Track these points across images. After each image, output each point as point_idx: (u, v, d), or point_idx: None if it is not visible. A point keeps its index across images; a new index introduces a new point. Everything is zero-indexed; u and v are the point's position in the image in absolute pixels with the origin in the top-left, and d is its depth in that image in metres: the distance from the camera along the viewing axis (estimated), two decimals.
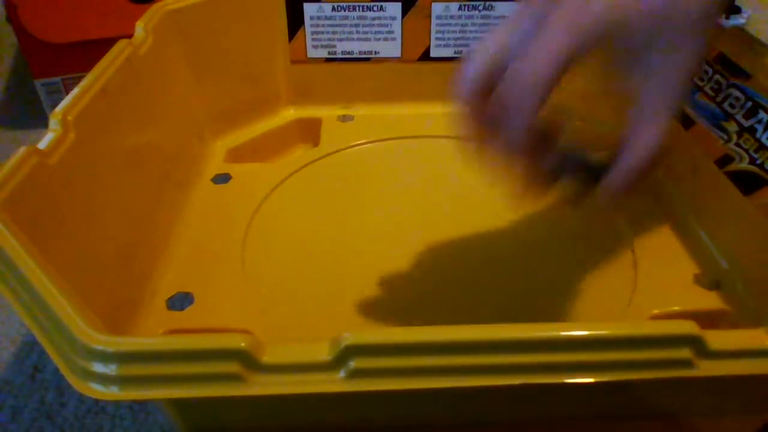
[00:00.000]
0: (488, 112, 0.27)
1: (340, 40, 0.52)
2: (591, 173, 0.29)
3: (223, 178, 0.46)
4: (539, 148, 0.28)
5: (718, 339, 0.23)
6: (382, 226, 0.42)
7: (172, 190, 0.42)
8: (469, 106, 0.28)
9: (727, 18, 0.39)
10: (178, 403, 0.26)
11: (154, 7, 0.44)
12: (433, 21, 0.51)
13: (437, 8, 0.51)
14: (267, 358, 0.22)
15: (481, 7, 0.51)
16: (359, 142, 0.50)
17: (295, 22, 0.51)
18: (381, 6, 0.51)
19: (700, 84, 0.40)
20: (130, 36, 0.40)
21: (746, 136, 0.36)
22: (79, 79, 0.35)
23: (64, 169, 0.30)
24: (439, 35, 0.52)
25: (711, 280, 0.37)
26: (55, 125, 0.31)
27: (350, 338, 0.22)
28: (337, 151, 0.49)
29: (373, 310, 0.36)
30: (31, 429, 0.36)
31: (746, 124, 0.36)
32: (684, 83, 0.27)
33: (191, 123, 0.48)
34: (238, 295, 0.36)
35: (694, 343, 0.23)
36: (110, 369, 0.21)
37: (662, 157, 0.28)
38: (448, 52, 0.53)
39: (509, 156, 0.28)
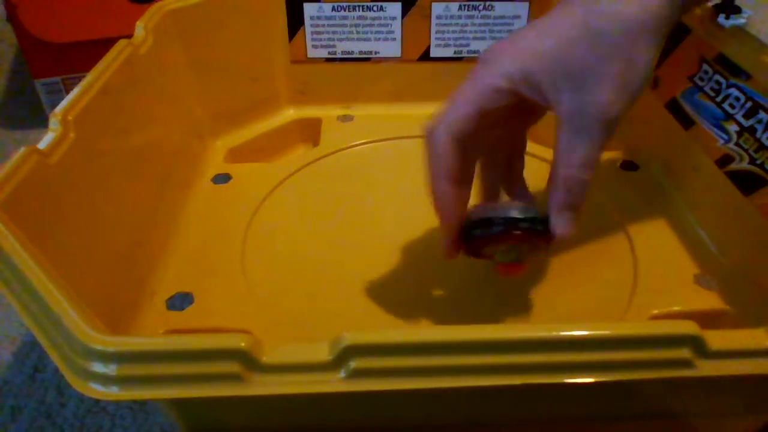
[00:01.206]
0: None
1: (340, 40, 0.52)
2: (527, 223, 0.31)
3: (223, 178, 0.46)
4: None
5: (718, 339, 0.23)
6: (382, 226, 0.42)
7: (172, 190, 0.42)
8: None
9: (727, 18, 0.39)
10: (178, 403, 0.26)
11: (154, 7, 0.44)
12: (433, 21, 0.51)
13: (437, 8, 0.51)
14: (267, 358, 0.22)
15: (481, 7, 0.51)
16: (359, 142, 0.50)
17: (295, 22, 0.51)
18: (381, 6, 0.51)
19: (700, 84, 0.40)
20: (130, 36, 0.40)
21: (746, 136, 0.36)
22: (79, 79, 0.35)
23: (64, 169, 0.30)
24: (439, 35, 0.52)
25: (711, 280, 0.37)
26: (55, 125, 0.31)
27: (350, 338, 0.22)
28: (337, 151, 0.49)
29: (373, 310, 0.36)
30: (31, 429, 0.36)
31: (746, 124, 0.36)
32: (600, 117, 0.28)
33: (191, 123, 0.48)
34: (238, 295, 0.36)
35: (694, 343, 0.23)
36: (110, 369, 0.21)
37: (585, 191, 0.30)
38: (448, 52, 0.53)
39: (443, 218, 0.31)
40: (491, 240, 0.31)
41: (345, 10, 0.51)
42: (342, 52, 0.52)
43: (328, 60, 0.53)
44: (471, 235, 0.31)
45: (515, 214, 0.31)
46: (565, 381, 0.22)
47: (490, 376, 0.22)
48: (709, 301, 0.36)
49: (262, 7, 0.49)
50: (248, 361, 0.22)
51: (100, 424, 0.37)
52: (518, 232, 0.30)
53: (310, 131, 0.53)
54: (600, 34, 0.27)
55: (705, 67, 0.40)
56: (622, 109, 0.28)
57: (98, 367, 0.21)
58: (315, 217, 0.43)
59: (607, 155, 0.47)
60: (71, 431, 0.36)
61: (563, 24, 0.28)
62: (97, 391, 0.21)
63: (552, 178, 0.30)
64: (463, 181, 0.31)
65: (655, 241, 0.40)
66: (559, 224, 0.30)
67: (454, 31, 0.52)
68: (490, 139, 0.32)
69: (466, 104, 0.30)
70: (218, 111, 0.50)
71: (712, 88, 0.39)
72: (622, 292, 0.36)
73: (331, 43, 0.52)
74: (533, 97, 0.29)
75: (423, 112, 0.53)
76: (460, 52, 0.53)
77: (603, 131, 0.28)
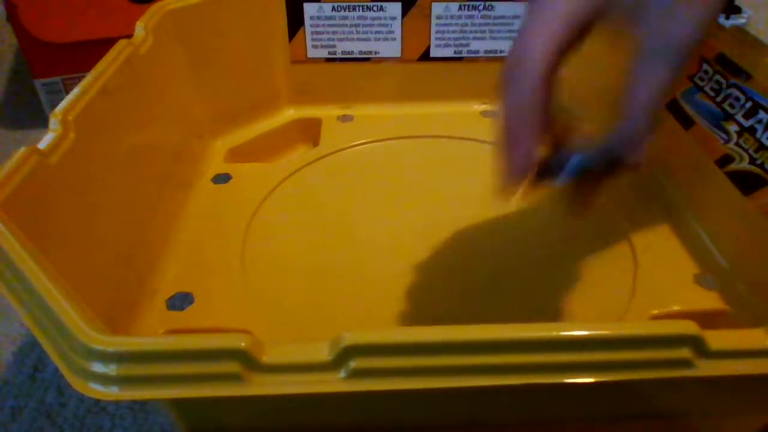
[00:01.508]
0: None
1: (340, 40, 0.52)
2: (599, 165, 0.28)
3: (223, 178, 0.46)
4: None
5: (718, 339, 0.23)
6: (382, 226, 0.42)
7: (172, 190, 0.42)
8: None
9: (727, 18, 0.39)
10: (178, 403, 0.26)
11: (154, 7, 0.44)
12: (433, 21, 0.51)
13: (437, 8, 0.51)
14: (267, 358, 0.22)
15: (481, 7, 0.51)
16: (359, 142, 0.50)
17: (295, 22, 0.51)
18: (381, 6, 0.51)
19: (700, 84, 0.40)
20: (130, 36, 0.40)
21: (746, 136, 0.36)
22: (79, 79, 0.35)
23: (64, 169, 0.30)
24: (439, 35, 0.52)
25: (711, 280, 0.37)
26: (55, 125, 0.31)
27: (350, 338, 0.22)
28: (337, 151, 0.49)
29: (374, 310, 0.36)
30: (31, 429, 0.36)
31: (746, 124, 0.36)
32: (685, 41, 0.26)
33: (191, 123, 0.48)
34: (238, 295, 0.36)
35: (694, 343, 0.22)
36: (110, 369, 0.21)
37: (659, 118, 0.28)
38: (448, 52, 0.53)
39: (512, 146, 0.26)
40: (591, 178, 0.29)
41: (345, 10, 0.51)
42: (342, 52, 0.52)
43: (328, 60, 0.53)
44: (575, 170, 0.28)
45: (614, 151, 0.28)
46: (565, 381, 0.22)
47: (490, 376, 0.22)
48: (709, 301, 0.36)
49: (262, 7, 0.49)
50: (248, 361, 0.21)
51: (100, 424, 0.37)
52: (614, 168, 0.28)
53: (310, 131, 0.53)
54: None
55: (705, 67, 0.40)
56: (703, 36, 0.26)
57: (98, 367, 0.21)
58: (315, 217, 0.43)
59: None
60: (71, 431, 0.36)
61: None
62: (97, 391, 0.21)
63: (624, 105, 0.27)
64: None
65: (655, 241, 0.40)
66: (638, 151, 0.27)
67: (454, 31, 0.52)
68: None
69: (553, 24, 0.24)
70: (218, 111, 0.50)
71: (712, 88, 0.39)
72: (622, 292, 0.36)
73: (331, 43, 0.52)
74: (616, 13, 0.26)
75: (423, 112, 0.53)
76: (460, 52, 0.53)
77: (684, 57, 0.26)
